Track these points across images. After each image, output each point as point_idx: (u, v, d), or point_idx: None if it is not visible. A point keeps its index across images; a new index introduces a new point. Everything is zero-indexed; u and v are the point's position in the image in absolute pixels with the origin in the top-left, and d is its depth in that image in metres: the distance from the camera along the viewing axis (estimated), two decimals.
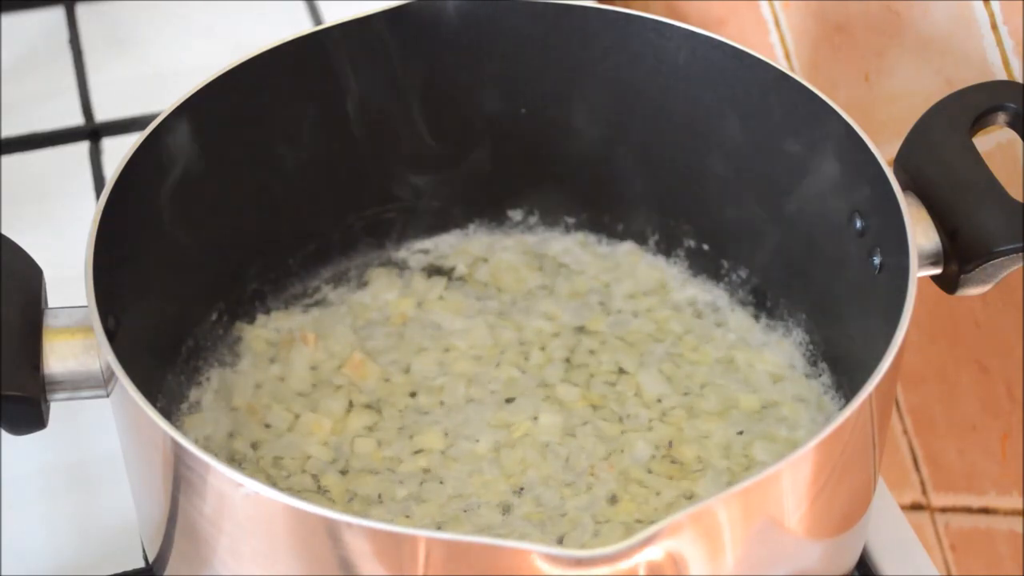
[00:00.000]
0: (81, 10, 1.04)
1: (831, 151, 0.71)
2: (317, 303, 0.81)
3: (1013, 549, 0.83)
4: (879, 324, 0.64)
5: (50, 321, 0.64)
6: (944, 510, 0.89)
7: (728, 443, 0.74)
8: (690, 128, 0.78)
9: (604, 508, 0.71)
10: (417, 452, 0.74)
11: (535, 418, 0.75)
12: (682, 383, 0.77)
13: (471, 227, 0.84)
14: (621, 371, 0.77)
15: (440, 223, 0.83)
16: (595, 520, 0.70)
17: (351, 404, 0.76)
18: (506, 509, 0.71)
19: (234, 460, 0.73)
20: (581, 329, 0.79)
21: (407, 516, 0.71)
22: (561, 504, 0.71)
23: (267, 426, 0.75)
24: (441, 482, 0.72)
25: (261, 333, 0.79)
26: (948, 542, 0.89)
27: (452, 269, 0.82)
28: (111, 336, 0.62)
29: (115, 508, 0.75)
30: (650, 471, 0.73)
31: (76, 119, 0.94)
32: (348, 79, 0.77)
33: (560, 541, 0.70)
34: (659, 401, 0.76)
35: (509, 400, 0.76)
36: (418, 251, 0.83)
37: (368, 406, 0.76)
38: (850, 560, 0.68)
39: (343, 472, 0.73)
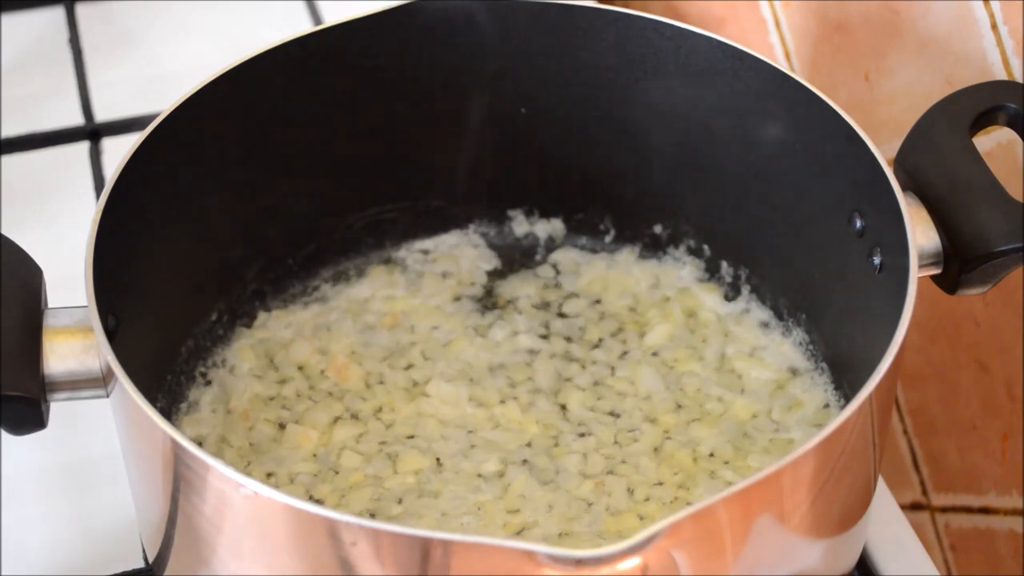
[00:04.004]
0: (81, 10, 1.04)
1: (831, 151, 0.71)
2: (317, 302, 0.81)
3: (1013, 549, 0.83)
4: (879, 324, 0.64)
5: (50, 321, 0.64)
6: (944, 510, 0.89)
7: (727, 448, 0.74)
8: (690, 128, 0.78)
9: (605, 518, 0.71)
10: (407, 467, 0.73)
11: (532, 424, 0.75)
12: (680, 387, 0.77)
13: (471, 227, 0.84)
14: (619, 375, 0.77)
15: (440, 223, 0.83)
16: (597, 533, 0.70)
17: (343, 413, 0.76)
18: (505, 524, 0.71)
19: None
20: (579, 332, 0.79)
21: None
22: (556, 509, 0.71)
23: (252, 444, 0.74)
24: (436, 496, 0.72)
25: (260, 334, 0.79)
26: (948, 542, 0.89)
27: (451, 271, 0.82)
28: (111, 336, 0.62)
29: (115, 508, 0.75)
30: (649, 477, 0.73)
31: (76, 119, 0.94)
32: (348, 79, 0.77)
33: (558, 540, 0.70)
34: (656, 405, 0.76)
35: (503, 402, 0.76)
36: (418, 251, 0.83)
37: (354, 416, 0.75)
38: (850, 560, 0.68)
39: (332, 485, 0.73)
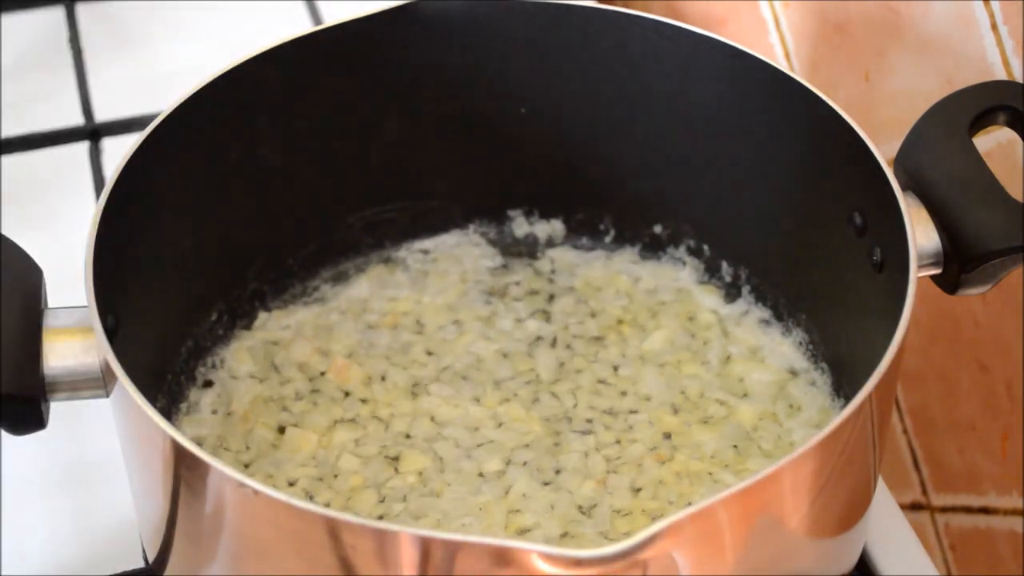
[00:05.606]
0: (81, 10, 1.04)
1: (831, 151, 0.71)
2: (317, 303, 0.81)
3: (1013, 549, 0.83)
4: (879, 324, 0.64)
5: (50, 321, 0.64)
6: (944, 510, 0.89)
7: (729, 451, 0.74)
8: (690, 128, 0.78)
9: (607, 518, 0.71)
10: (408, 467, 0.73)
11: (535, 423, 0.75)
12: (680, 388, 0.77)
13: (471, 227, 0.84)
14: (619, 376, 0.77)
15: (440, 223, 0.83)
16: (600, 533, 0.70)
17: (343, 415, 0.76)
18: (506, 525, 0.71)
19: None
20: (578, 332, 0.79)
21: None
22: (557, 509, 0.71)
23: (249, 447, 0.74)
24: (437, 496, 0.72)
25: (260, 334, 0.79)
26: (948, 542, 0.89)
27: (453, 270, 0.82)
28: (111, 336, 0.62)
29: (115, 508, 0.75)
30: (651, 477, 0.73)
31: (76, 119, 0.94)
32: (347, 79, 0.77)
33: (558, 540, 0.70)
34: (658, 406, 0.76)
35: (506, 401, 0.76)
36: (418, 251, 0.83)
37: (354, 419, 0.75)
38: (850, 560, 0.68)
39: (332, 488, 0.73)
